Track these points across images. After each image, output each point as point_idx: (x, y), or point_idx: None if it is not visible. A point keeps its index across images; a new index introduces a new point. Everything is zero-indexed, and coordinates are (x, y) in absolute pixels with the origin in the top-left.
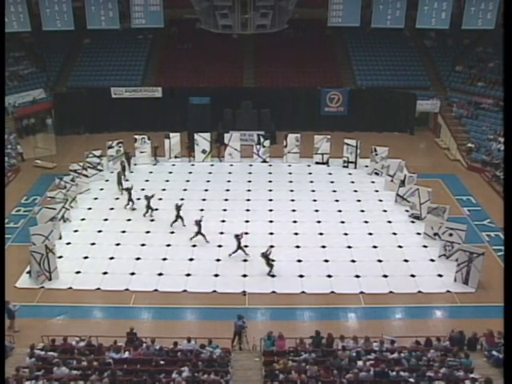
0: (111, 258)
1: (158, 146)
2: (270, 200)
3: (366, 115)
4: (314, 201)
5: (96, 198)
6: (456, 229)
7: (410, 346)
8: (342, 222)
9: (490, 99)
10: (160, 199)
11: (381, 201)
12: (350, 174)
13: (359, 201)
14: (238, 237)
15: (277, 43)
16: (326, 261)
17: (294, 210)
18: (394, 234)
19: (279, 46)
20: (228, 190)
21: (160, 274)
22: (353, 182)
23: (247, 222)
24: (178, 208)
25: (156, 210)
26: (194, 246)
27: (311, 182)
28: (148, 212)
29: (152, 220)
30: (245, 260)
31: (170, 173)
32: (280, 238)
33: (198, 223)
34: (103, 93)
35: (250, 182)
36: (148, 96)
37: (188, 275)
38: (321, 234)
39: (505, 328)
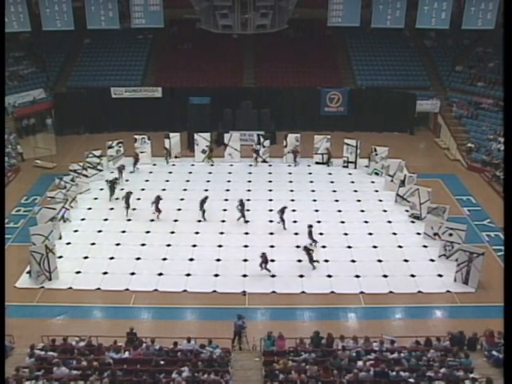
0: (111, 258)
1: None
2: (270, 200)
3: (366, 115)
4: (314, 201)
5: (96, 198)
6: (456, 229)
7: (410, 346)
8: (342, 222)
9: (490, 99)
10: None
11: (381, 201)
12: (349, 174)
13: (359, 201)
14: (311, 228)
15: (277, 43)
16: (326, 261)
17: (293, 210)
18: (394, 234)
19: (279, 46)
20: (228, 190)
21: (160, 274)
22: (353, 182)
23: (247, 222)
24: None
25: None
26: (194, 245)
27: (311, 182)
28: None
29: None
30: (245, 260)
31: (170, 173)
32: (280, 237)
33: (282, 210)
34: (103, 93)
35: (250, 182)
36: (148, 96)
37: (188, 275)
38: (321, 234)
39: (505, 328)
